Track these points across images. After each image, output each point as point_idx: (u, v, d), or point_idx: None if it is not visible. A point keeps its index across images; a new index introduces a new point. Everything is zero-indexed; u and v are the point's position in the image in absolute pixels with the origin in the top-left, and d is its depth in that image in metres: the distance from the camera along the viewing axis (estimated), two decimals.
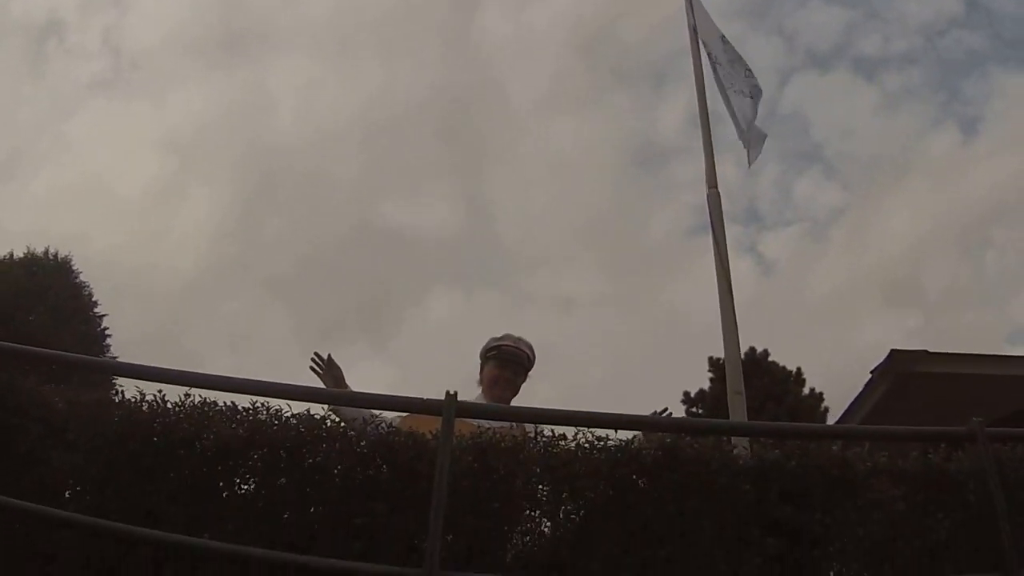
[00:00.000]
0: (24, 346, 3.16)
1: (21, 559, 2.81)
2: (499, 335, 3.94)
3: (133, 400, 2.88)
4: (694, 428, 2.65)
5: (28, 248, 13.29)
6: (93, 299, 13.36)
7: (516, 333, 3.93)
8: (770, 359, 19.94)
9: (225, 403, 2.80)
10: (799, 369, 20.13)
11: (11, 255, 12.93)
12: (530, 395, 3.81)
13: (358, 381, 3.09)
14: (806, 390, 19.92)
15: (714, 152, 5.78)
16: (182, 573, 2.68)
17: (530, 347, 3.95)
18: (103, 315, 13.47)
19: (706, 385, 19.78)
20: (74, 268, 13.50)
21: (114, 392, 2.99)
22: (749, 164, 5.86)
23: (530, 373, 3.91)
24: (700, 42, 6.13)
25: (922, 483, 2.89)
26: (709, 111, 5.90)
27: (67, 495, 2.92)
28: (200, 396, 2.82)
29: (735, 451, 2.79)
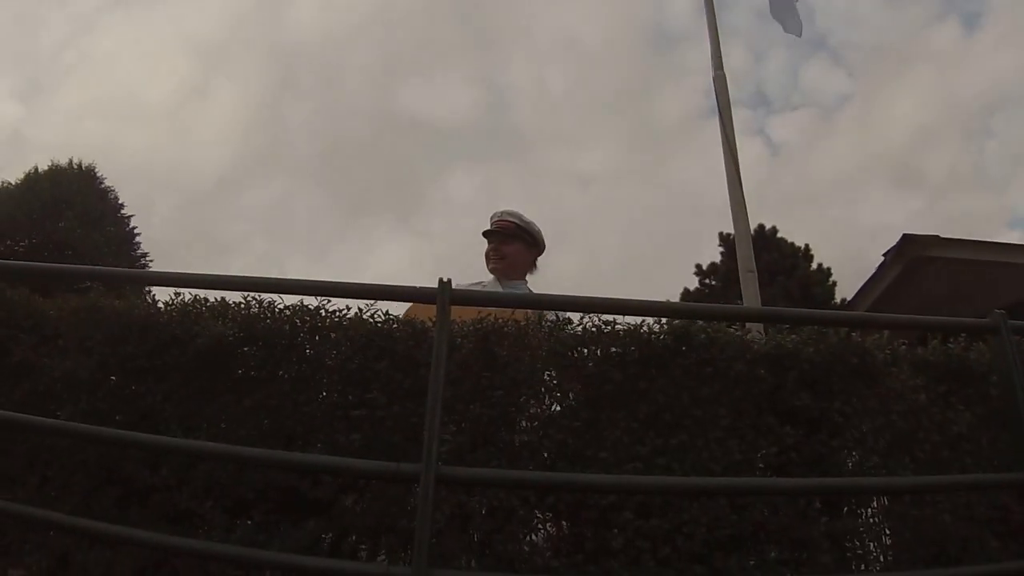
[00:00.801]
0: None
1: (22, 466, 2.74)
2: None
3: (123, 302, 2.79)
4: (706, 314, 2.53)
5: (52, 160, 13.41)
6: (120, 202, 13.55)
7: (530, 210, 3.88)
8: (779, 235, 20.08)
9: (216, 299, 2.70)
10: (807, 245, 20.28)
11: (36, 169, 13.03)
12: (547, 270, 3.76)
13: (385, 255, 2.96)
14: (814, 265, 20.04)
15: (719, 35, 5.72)
16: (179, 472, 2.61)
17: (515, 215, 3.92)
18: (130, 215, 13.59)
19: (717, 259, 20.01)
20: (99, 175, 13.62)
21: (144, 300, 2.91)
22: (799, 34, 5.81)
23: (530, 240, 3.88)
24: None
25: (943, 374, 2.78)
26: None
27: (61, 402, 2.83)
28: (191, 294, 2.72)
29: (749, 335, 2.66)
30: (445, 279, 2.43)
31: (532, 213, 3.90)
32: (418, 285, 2.53)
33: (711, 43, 5.68)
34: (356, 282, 2.53)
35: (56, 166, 13.23)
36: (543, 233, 3.97)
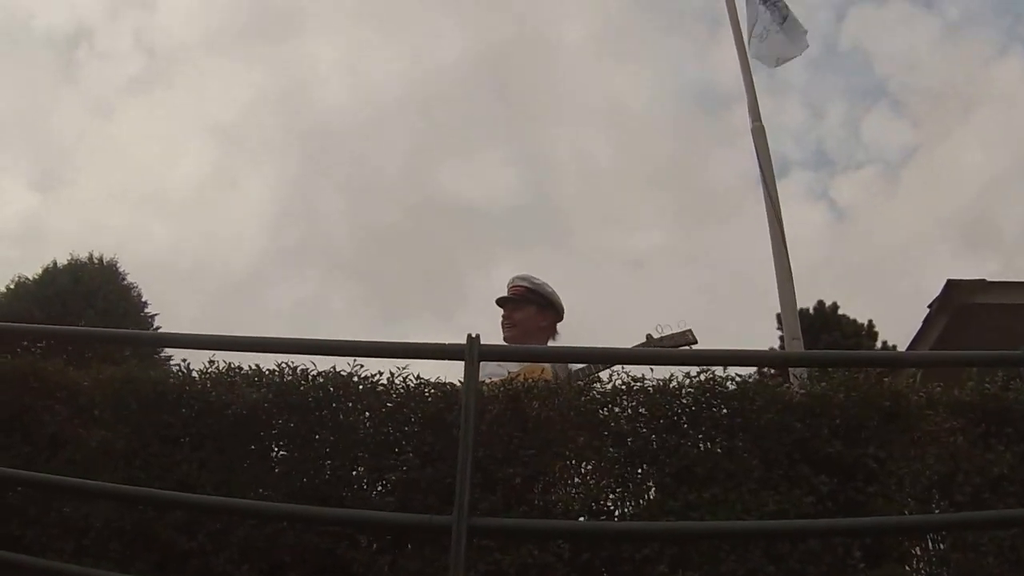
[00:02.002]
0: (40, 325, 3.12)
1: (56, 535, 2.79)
2: None
3: (158, 371, 2.84)
4: (733, 359, 2.53)
5: (72, 254, 13.39)
6: (143, 299, 13.41)
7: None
8: (840, 312, 19.32)
9: (250, 367, 2.74)
10: (871, 322, 19.55)
11: (55, 263, 13.03)
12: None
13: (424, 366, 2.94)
14: (878, 343, 19.21)
15: (755, 85, 5.65)
16: (216, 537, 2.63)
17: (526, 279, 3.87)
18: (154, 315, 13.52)
19: (775, 343, 19.56)
20: (120, 270, 13.57)
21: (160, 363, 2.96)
22: (775, 64, 5.73)
23: (543, 303, 3.82)
24: None
25: (980, 414, 2.74)
26: (746, 43, 5.71)
27: (97, 471, 2.88)
28: (224, 361, 2.77)
29: (788, 387, 2.66)
30: (474, 334, 2.45)
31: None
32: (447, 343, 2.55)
33: (747, 93, 5.60)
34: (385, 341, 2.56)
35: (76, 260, 13.19)
36: (558, 295, 3.91)
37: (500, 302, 3.87)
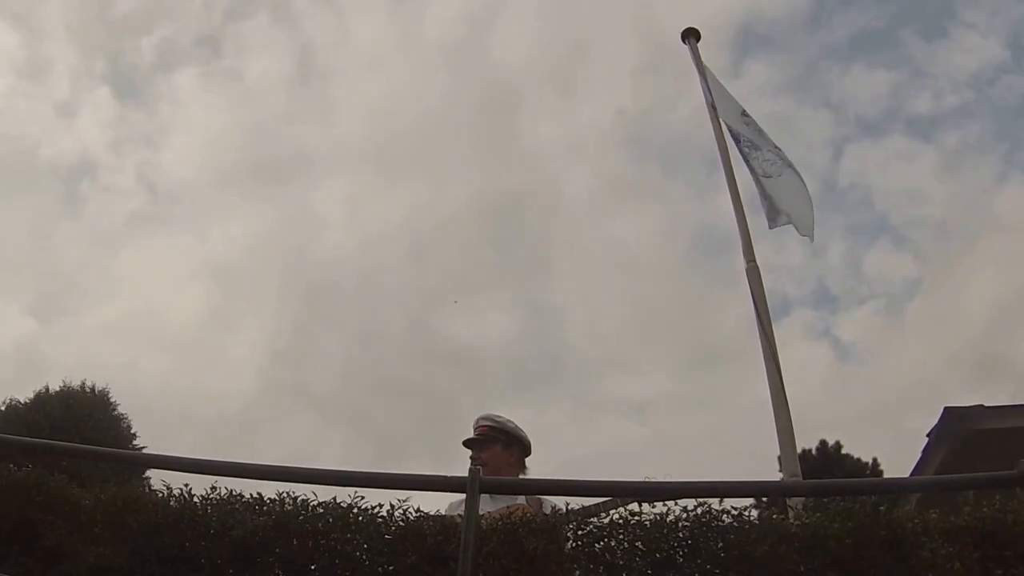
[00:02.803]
0: (46, 440, 3.15)
1: None
2: None
3: (160, 493, 2.86)
4: (731, 490, 2.55)
5: (64, 381, 13.35)
6: (132, 431, 13.32)
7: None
8: (843, 451, 19.00)
9: (251, 495, 2.77)
10: (875, 460, 19.10)
11: (47, 389, 13.02)
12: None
13: (425, 501, 2.95)
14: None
15: (748, 225, 5.62)
16: None
17: (489, 417, 3.89)
18: (143, 447, 13.45)
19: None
20: (112, 401, 13.52)
21: (142, 488, 2.98)
22: (812, 239, 5.70)
23: (506, 439, 3.82)
24: (720, 121, 6.03)
25: (978, 538, 2.75)
26: (739, 184, 5.75)
27: None
28: (226, 488, 2.79)
29: (784, 520, 2.67)
30: (476, 468, 2.48)
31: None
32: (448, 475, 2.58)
33: (741, 234, 5.58)
34: (387, 472, 2.58)
35: (68, 388, 13.21)
36: (523, 430, 3.90)
37: (467, 444, 3.86)
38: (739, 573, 2.56)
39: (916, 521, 2.72)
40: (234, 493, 2.76)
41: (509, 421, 3.89)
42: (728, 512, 2.59)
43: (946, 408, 6.75)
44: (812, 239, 5.75)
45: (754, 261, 5.42)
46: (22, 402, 12.47)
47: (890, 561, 2.65)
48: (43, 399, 12.54)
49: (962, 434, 6.62)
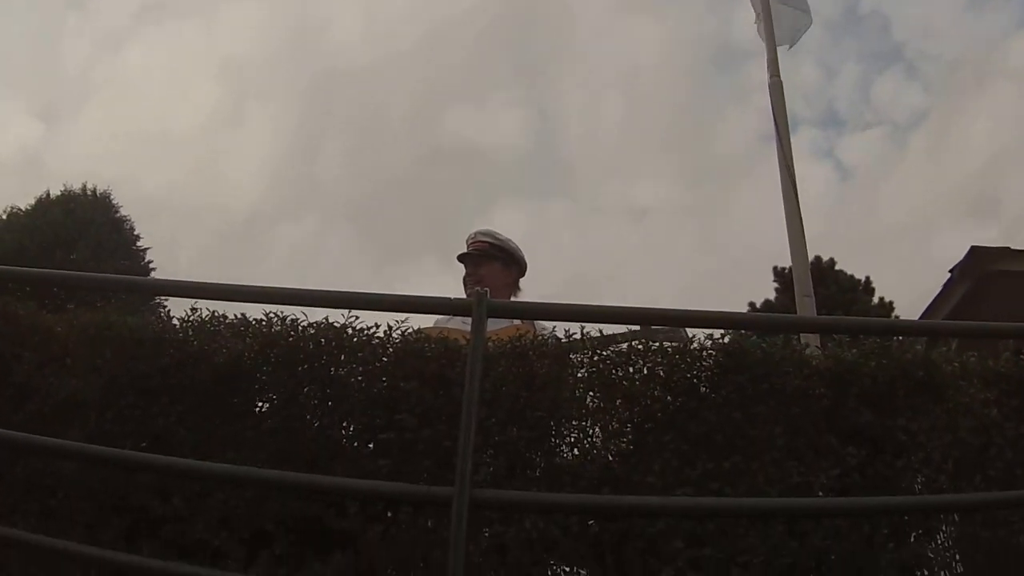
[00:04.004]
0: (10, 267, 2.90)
1: (21, 493, 2.58)
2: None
3: (136, 318, 2.62)
4: (763, 324, 2.35)
5: (65, 186, 13.02)
6: (135, 233, 13.09)
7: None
8: (837, 268, 18.93)
9: (236, 315, 2.53)
10: (868, 278, 19.13)
11: (47, 194, 12.67)
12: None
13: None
14: (875, 299, 18.84)
15: (774, 39, 5.40)
16: (193, 501, 2.44)
17: (489, 233, 3.64)
18: (146, 248, 13.19)
19: (772, 296, 18.79)
20: (114, 203, 13.22)
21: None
22: (790, 45, 5.54)
23: (506, 259, 3.61)
24: None
25: (1016, 386, 2.58)
26: None
27: (67, 424, 2.67)
28: (208, 309, 2.55)
29: (807, 351, 2.47)
30: (483, 290, 2.25)
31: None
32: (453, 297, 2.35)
33: (767, 48, 5.40)
34: (386, 294, 2.35)
35: (69, 192, 12.83)
36: (521, 250, 3.70)
37: (461, 258, 3.64)
38: (767, 407, 2.37)
39: (955, 364, 2.53)
40: (217, 314, 2.53)
41: (509, 240, 3.66)
42: (759, 346, 2.38)
43: (972, 247, 6.65)
44: (790, 46, 5.57)
45: (778, 76, 5.28)
46: (23, 209, 12.25)
47: (927, 403, 2.47)
48: (44, 205, 12.33)
49: (985, 272, 6.50)
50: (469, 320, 2.18)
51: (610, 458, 2.33)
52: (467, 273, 3.60)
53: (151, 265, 12.78)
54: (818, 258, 18.34)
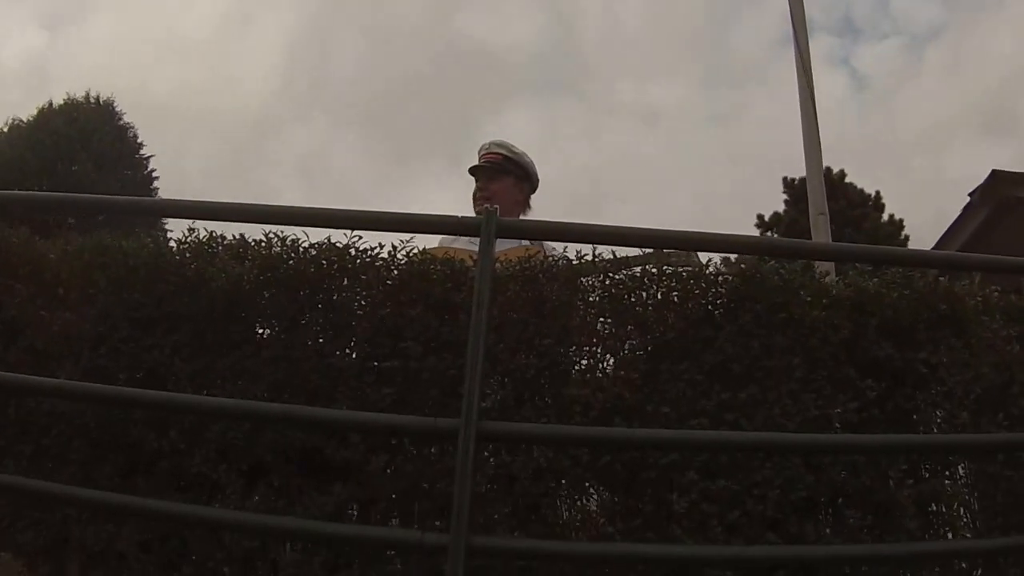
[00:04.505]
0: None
1: (14, 434, 2.50)
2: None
3: (131, 242, 2.52)
4: (783, 250, 2.27)
5: (68, 94, 12.75)
6: (139, 141, 12.83)
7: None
8: (847, 180, 18.24)
9: (234, 236, 2.44)
10: (878, 193, 18.53)
11: (50, 103, 12.42)
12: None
13: (437, 202, 2.63)
14: (885, 216, 18.33)
15: None
16: (190, 434, 2.36)
17: (504, 146, 3.48)
18: (150, 156, 12.92)
19: (780, 208, 18.23)
20: (118, 111, 12.96)
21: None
22: None
23: (520, 173, 3.47)
24: None
25: None
26: None
27: (59, 359, 2.58)
28: (206, 230, 2.46)
29: (827, 278, 2.39)
30: (492, 207, 2.15)
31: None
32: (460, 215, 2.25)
33: None
34: (390, 211, 2.24)
35: (71, 100, 12.52)
36: (535, 165, 3.55)
37: (473, 171, 3.47)
38: (784, 337, 2.29)
39: (978, 298, 2.45)
40: (215, 235, 2.43)
41: (525, 154, 3.50)
42: (777, 272, 2.30)
43: (993, 171, 6.40)
44: None
45: None
46: (25, 121, 12.04)
47: (948, 336, 2.40)
48: (46, 115, 12.09)
49: (1006, 198, 6.33)
50: (476, 240, 2.09)
51: (622, 387, 2.24)
52: (478, 187, 3.45)
53: (154, 174, 12.51)
54: (829, 169, 17.67)
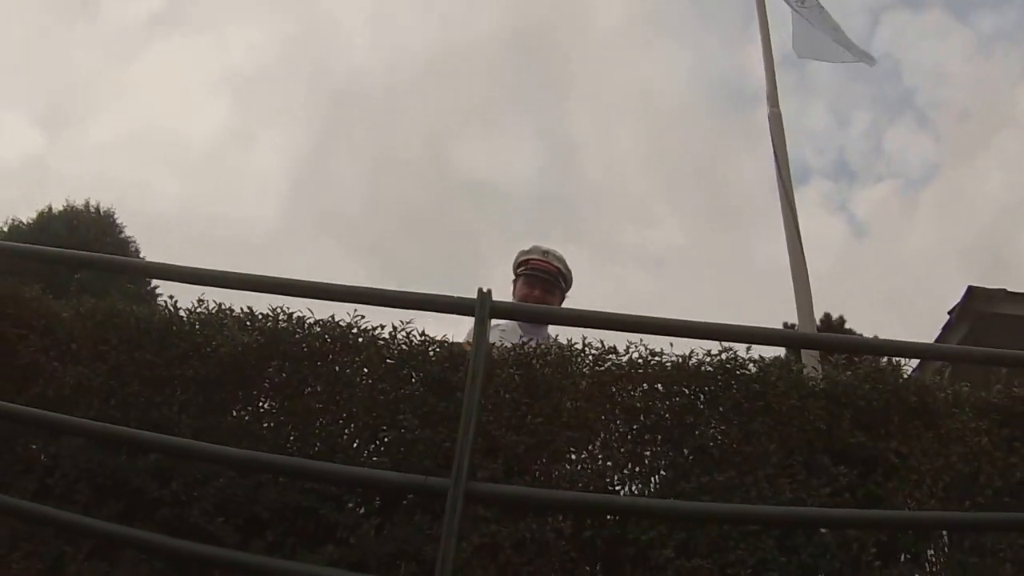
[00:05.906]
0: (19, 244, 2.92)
1: (19, 472, 2.61)
2: (527, 247, 3.60)
3: (143, 308, 2.65)
4: (763, 338, 2.38)
5: (67, 201, 12.84)
6: (140, 255, 12.89)
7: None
8: (846, 326, 18.90)
9: (242, 309, 2.55)
10: (876, 337, 19.13)
11: (50, 208, 12.51)
12: None
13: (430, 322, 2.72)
14: (884, 359, 18.98)
15: (774, 67, 5.41)
16: (192, 486, 2.46)
17: (562, 261, 3.58)
18: None
19: (781, 353, 18.96)
20: (118, 222, 13.03)
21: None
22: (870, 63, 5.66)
23: (568, 294, 3.58)
24: None
25: (1006, 416, 2.62)
26: (769, 22, 5.48)
27: (70, 409, 2.69)
28: (215, 301, 2.58)
29: (805, 371, 2.51)
30: (485, 289, 2.28)
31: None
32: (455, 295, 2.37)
33: (767, 79, 5.34)
34: (390, 289, 2.37)
35: (71, 207, 12.62)
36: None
37: (530, 273, 3.52)
38: (762, 424, 2.40)
39: (948, 392, 2.57)
40: (223, 307, 2.55)
41: (570, 270, 3.61)
42: (754, 360, 2.42)
43: (970, 287, 6.54)
44: (871, 63, 5.65)
45: (777, 107, 5.23)
46: (25, 222, 12.08)
47: (918, 428, 2.51)
48: (46, 219, 12.12)
49: (983, 315, 6.46)
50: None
51: (606, 468, 2.35)
52: (532, 295, 3.49)
53: (157, 290, 12.60)
54: (828, 315, 18.21)
